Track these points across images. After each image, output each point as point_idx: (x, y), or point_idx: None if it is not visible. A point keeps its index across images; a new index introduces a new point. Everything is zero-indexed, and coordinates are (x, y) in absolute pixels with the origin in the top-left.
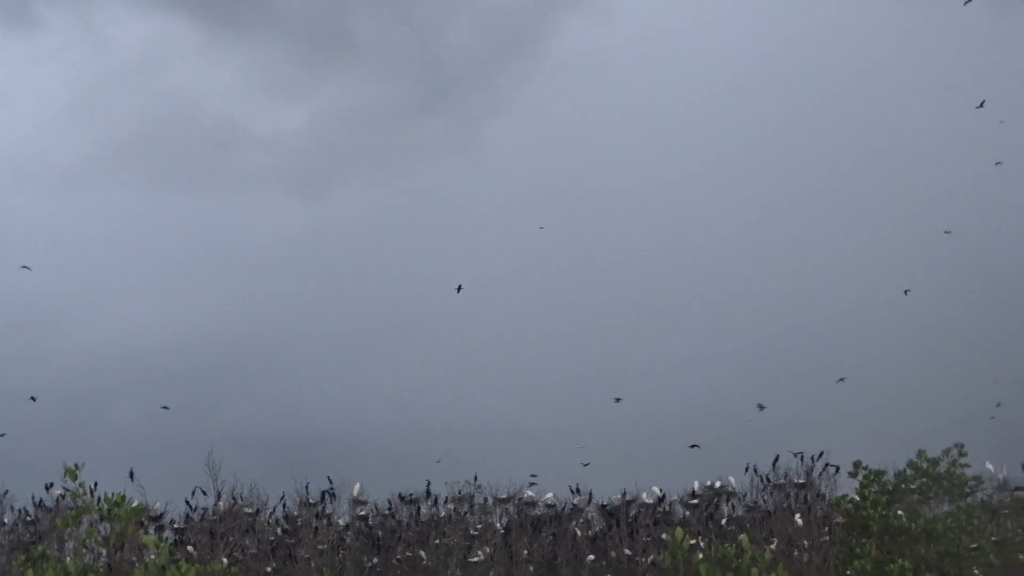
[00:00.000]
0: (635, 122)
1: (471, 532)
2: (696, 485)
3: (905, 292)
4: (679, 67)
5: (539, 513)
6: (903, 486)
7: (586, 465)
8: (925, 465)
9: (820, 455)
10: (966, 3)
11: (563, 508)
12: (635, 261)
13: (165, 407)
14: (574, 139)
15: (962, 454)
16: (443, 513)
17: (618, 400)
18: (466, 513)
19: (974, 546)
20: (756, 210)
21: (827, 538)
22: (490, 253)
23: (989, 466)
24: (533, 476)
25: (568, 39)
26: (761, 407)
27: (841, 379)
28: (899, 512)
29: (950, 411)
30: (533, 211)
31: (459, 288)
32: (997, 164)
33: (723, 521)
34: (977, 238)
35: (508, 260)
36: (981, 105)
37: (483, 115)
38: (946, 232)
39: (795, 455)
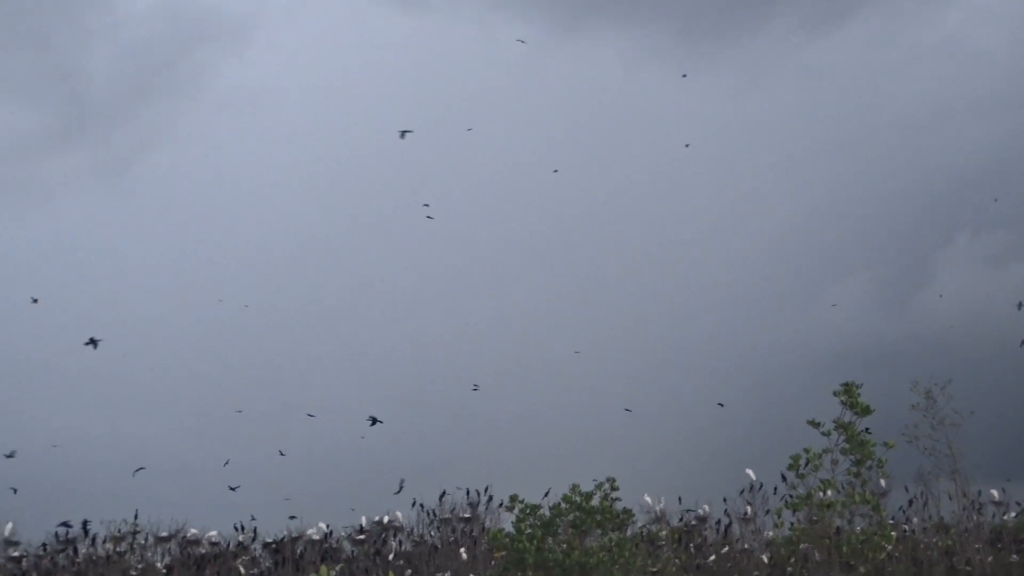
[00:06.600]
0: (286, 157)
1: (131, 573)
2: (363, 520)
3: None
4: (323, 102)
5: (203, 551)
6: (558, 519)
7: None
8: (578, 499)
9: (486, 490)
10: None
11: (228, 546)
12: (298, 300)
13: None
14: (229, 176)
15: (614, 488)
16: (101, 552)
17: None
18: (126, 552)
19: None
20: (403, 255)
21: (491, 572)
22: (137, 288)
23: (647, 498)
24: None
25: (223, 76)
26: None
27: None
28: (554, 545)
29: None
30: (182, 244)
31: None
32: None
33: (390, 556)
34: None
35: (158, 294)
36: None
37: (133, 148)
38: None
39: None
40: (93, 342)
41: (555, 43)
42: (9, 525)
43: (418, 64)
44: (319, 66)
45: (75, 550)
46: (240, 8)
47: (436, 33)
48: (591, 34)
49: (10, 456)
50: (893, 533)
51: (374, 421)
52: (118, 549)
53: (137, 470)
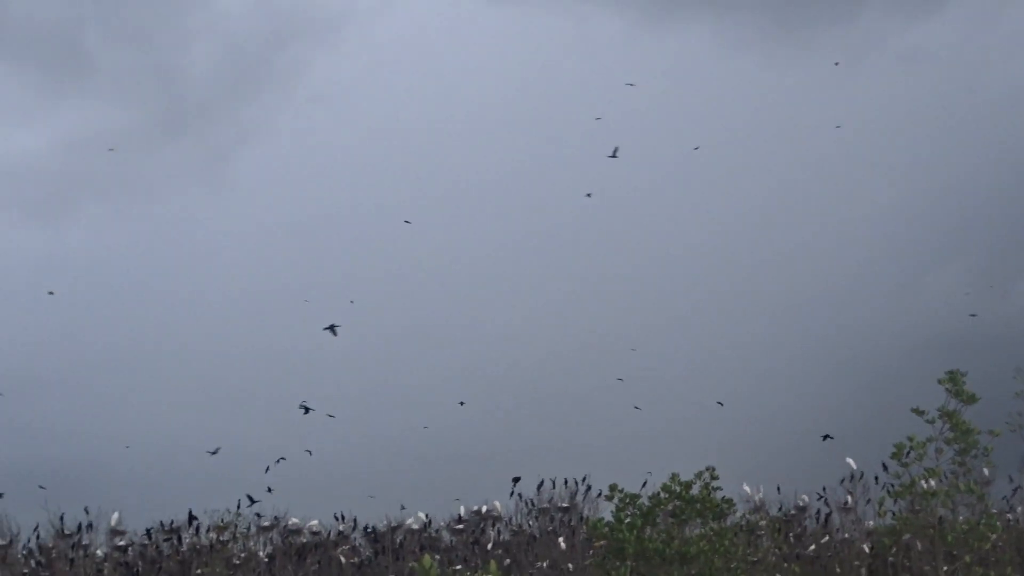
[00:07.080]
0: (380, 150)
1: (234, 562)
2: (462, 510)
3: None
4: (416, 95)
5: (304, 540)
6: (657, 509)
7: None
8: (678, 488)
9: (584, 479)
10: None
11: (328, 535)
12: (383, 287)
13: None
14: (325, 170)
15: (714, 477)
16: (205, 542)
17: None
18: (228, 542)
19: (733, 565)
20: (496, 241)
21: (590, 561)
22: (233, 278)
23: (745, 488)
24: None
25: (317, 70)
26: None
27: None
28: (654, 534)
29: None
30: (280, 238)
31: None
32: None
33: (489, 546)
34: None
35: (255, 285)
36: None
37: (230, 144)
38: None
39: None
40: (332, 328)
41: (648, 31)
42: (116, 515)
43: (508, 55)
44: (412, 59)
45: (179, 539)
46: (333, 1)
47: (527, 24)
48: (683, 24)
49: (214, 453)
50: (998, 523)
51: (306, 410)
52: (221, 538)
53: (279, 460)
